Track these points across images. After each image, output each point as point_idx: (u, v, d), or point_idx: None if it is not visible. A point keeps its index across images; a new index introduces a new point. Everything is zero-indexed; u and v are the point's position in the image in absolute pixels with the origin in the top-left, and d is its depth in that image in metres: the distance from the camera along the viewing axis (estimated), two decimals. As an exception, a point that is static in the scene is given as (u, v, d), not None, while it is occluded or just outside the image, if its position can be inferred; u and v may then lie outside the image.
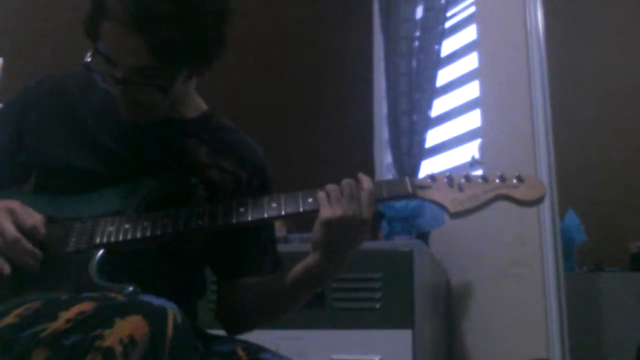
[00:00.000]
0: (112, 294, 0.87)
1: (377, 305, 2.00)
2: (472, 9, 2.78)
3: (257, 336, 1.18)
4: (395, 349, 1.95)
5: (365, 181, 1.03)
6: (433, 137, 2.89)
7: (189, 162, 1.16)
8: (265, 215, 1.04)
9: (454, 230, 2.41)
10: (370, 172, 3.03)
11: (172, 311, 0.82)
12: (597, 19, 3.24)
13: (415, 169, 2.82)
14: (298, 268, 1.08)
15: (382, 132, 3.12)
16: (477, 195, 1.02)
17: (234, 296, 1.18)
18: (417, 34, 2.95)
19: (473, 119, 2.70)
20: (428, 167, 2.90)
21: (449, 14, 2.88)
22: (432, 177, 1.05)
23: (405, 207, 2.37)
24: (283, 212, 1.04)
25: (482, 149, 2.57)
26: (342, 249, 1.03)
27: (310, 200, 1.03)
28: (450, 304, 2.49)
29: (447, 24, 2.86)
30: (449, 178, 1.04)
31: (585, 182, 3.00)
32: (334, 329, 2.01)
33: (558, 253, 2.17)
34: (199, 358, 1.02)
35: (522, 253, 2.22)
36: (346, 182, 1.02)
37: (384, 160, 3.07)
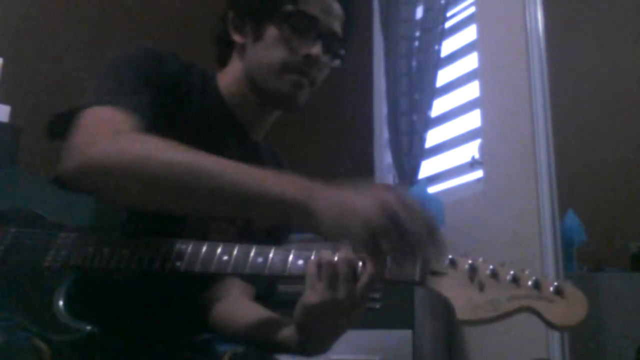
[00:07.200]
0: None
1: (377, 305, 2.00)
2: (472, 9, 2.78)
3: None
4: (395, 349, 1.95)
5: (370, 265, 0.83)
6: (433, 137, 2.89)
7: None
8: (247, 272, 0.90)
9: (454, 230, 2.41)
10: (370, 172, 3.03)
11: None
12: (597, 19, 3.24)
13: (415, 169, 2.82)
14: (279, 333, 0.96)
15: (382, 132, 3.12)
16: (498, 300, 0.80)
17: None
18: (417, 34, 2.95)
19: (473, 119, 2.70)
20: (428, 167, 2.91)
21: (449, 14, 2.88)
22: (453, 263, 0.83)
23: (405, 207, 2.37)
24: (267, 272, 0.89)
25: (482, 149, 2.57)
26: (326, 334, 0.92)
27: (300, 263, 0.88)
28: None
29: (447, 24, 2.86)
30: (472, 268, 0.82)
31: (585, 182, 3.00)
32: (334, 329, 2.01)
33: (558, 253, 2.17)
34: None
35: (522, 253, 2.22)
36: (345, 260, 0.84)
37: (384, 160, 3.07)
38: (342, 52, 1.09)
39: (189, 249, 0.91)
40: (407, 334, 1.96)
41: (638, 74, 3.18)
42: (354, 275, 0.84)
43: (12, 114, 2.16)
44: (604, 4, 3.25)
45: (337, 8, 1.04)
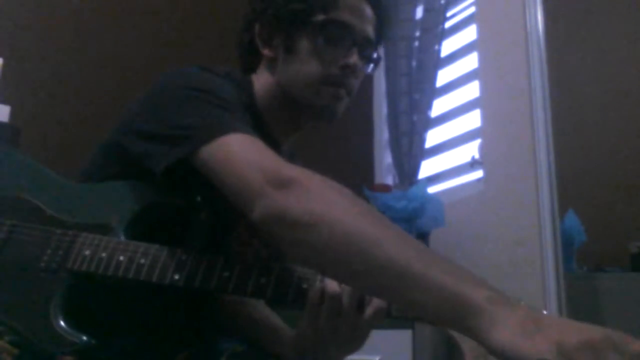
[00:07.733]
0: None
1: (377, 306, 2.00)
2: (472, 9, 2.78)
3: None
4: (395, 349, 1.95)
5: (374, 306, 0.79)
6: (433, 137, 2.89)
7: None
8: (248, 291, 0.83)
9: (454, 230, 2.41)
10: (370, 172, 3.03)
11: None
12: (597, 19, 3.24)
13: (415, 169, 2.82)
14: (281, 350, 0.94)
15: (382, 132, 3.12)
16: None
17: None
18: (417, 34, 2.95)
19: (473, 119, 2.70)
20: (428, 167, 2.91)
21: (449, 14, 2.88)
22: None
23: (405, 208, 2.37)
24: (268, 294, 0.82)
25: (482, 149, 2.57)
26: (329, 353, 0.87)
27: (304, 287, 0.81)
28: (450, 304, 2.48)
29: (447, 24, 2.87)
30: None
31: (585, 182, 3.00)
32: (334, 329, 2.01)
33: (558, 253, 2.17)
34: None
35: (522, 253, 2.22)
36: (351, 292, 0.78)
37: (384, 160, 3.07)
38: (375, 56, 1.03)
39: (190, 261, 0.85)
40: (407, 334, 1.96)
41: (638, 74, 3.18)
42: (359, 306, 0.78)
43: (12, 114, 2.16)
44: (604, 4, 3.25)
45: (368, 11, 0.98)
